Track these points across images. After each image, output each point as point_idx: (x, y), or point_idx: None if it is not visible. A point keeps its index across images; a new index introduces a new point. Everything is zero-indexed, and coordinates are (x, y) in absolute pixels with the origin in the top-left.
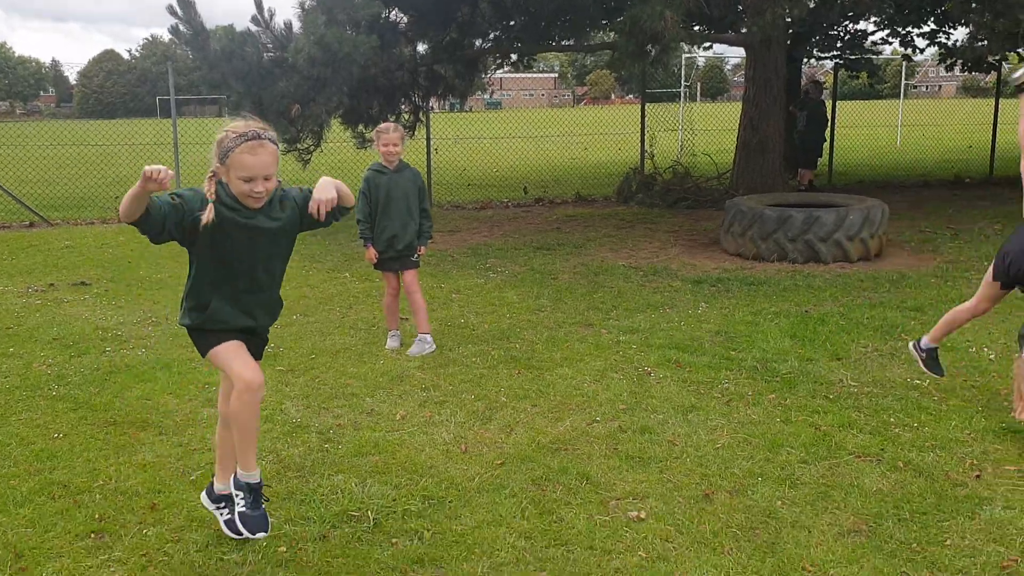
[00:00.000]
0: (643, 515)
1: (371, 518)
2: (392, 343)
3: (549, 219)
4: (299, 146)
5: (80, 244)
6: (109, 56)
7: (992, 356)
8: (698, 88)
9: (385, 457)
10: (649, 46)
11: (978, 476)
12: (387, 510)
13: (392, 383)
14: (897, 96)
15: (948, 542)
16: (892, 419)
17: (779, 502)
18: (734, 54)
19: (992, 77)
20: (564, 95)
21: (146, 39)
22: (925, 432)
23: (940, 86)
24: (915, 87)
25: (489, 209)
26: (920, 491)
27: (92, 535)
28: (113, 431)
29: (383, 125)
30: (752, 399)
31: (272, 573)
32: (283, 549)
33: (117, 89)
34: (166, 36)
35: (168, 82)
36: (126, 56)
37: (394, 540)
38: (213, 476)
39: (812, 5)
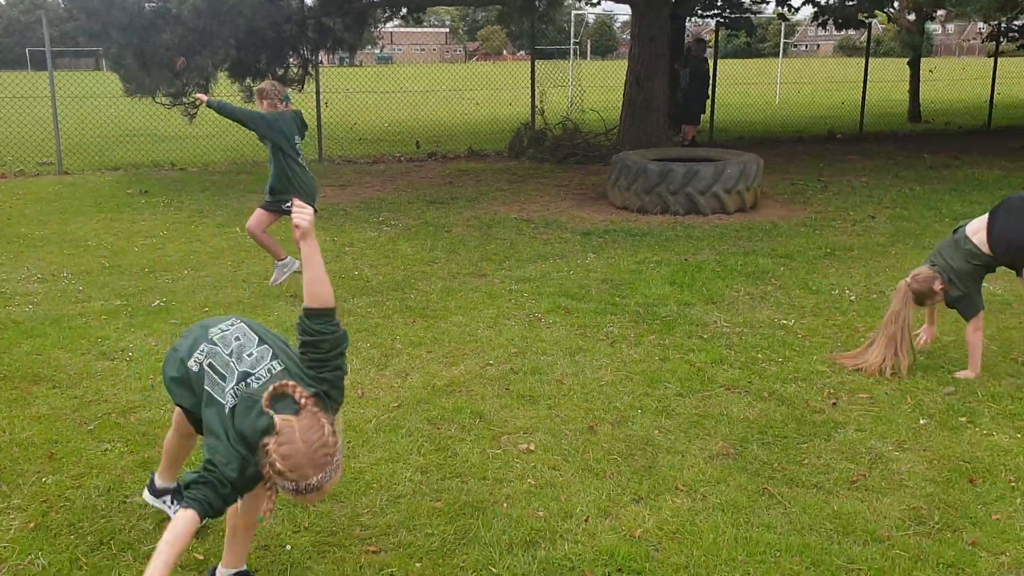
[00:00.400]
0: (532, 447)
1: None
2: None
3: (442, 173)
4: (184, 100)
5: None
6: None
7: (853, 297)
8: (588, 45)
9: None
10: (537, 1)
11: (834, 404)
12: None
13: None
14: (777, 55)
15: (806, 461)
16: (760, 355)
17: (656, 431)
18: (623, 11)
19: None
20: (456, 50)
21: None
22: (789, 366)
23: (819, 45)
24: (795, 46)
25: (381, 164)
26: (782, 418)
27: None
28: (4, 385)
29: (266, 85)
30: (634, 340)
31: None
32: None
33: None
34: None
35: (42, 32)
36: None
37: None
38: (153, 473)
39: None
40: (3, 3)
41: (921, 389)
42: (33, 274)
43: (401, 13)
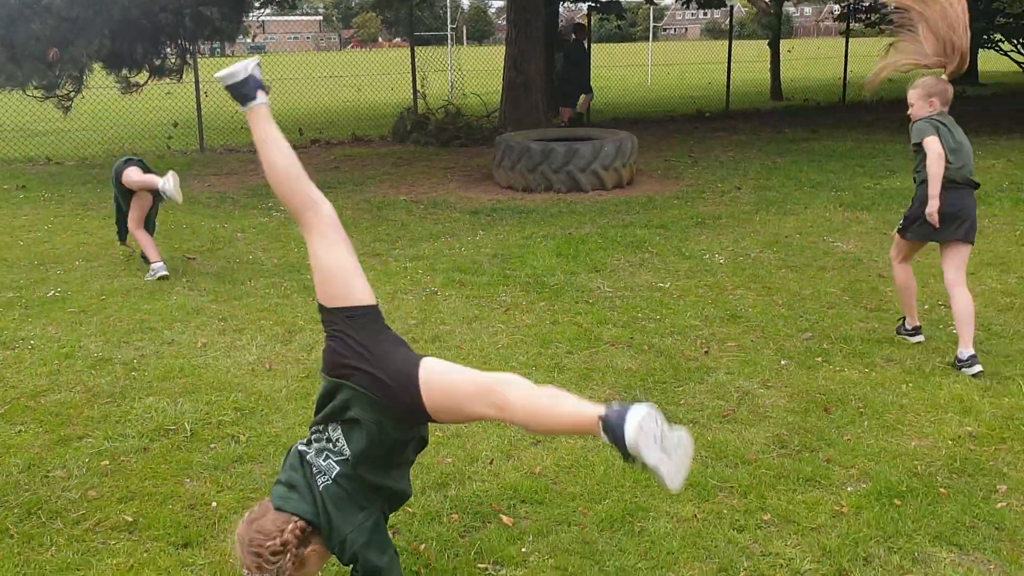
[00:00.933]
0: None
1: (188, 429)
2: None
3: (327, 159)
4: (58, 92)
5: None
6: None
7: (721, 260)
8: (464, 31)
9: (192, 379)
10: None
11: (706, 352)
12: (202, 422)
13: (188, 316)
14: (647, 38)
15: (682, 401)
16: (640, 314)
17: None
18: None
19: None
20: (330, 38)
21: None
22: (666, 323)
23: (686, 28)
24: (664, 30)
25: None
26: (661, 367)
27: None
28: None
29: None
30: (526, 308)
31: (99, 483)
32: (106, 463)
33: None
34: None
35: None
36: None
37: (212, 445)
38: None
39: None
40: None
41: (783, 335)
42: None
43: (277, 2)
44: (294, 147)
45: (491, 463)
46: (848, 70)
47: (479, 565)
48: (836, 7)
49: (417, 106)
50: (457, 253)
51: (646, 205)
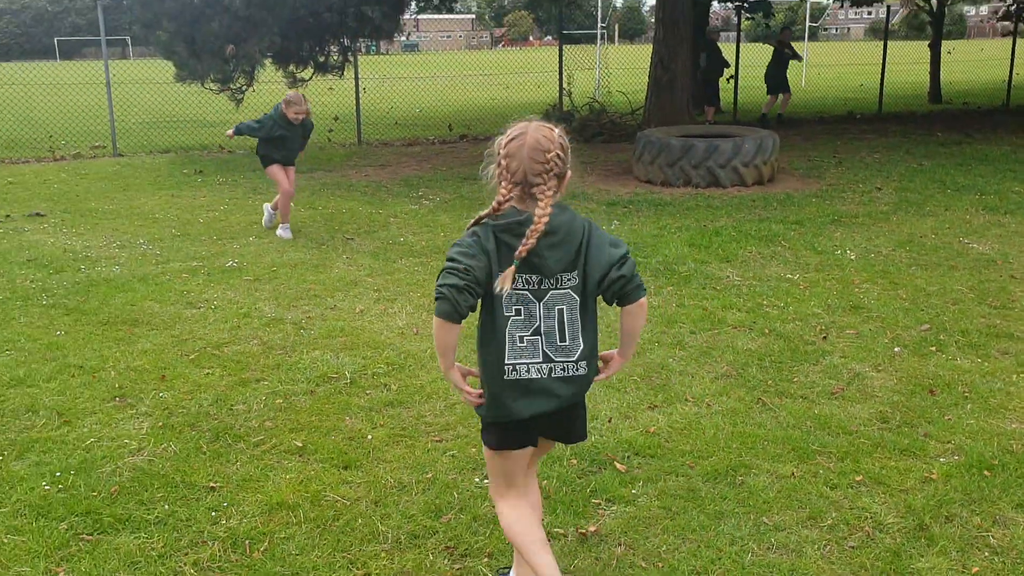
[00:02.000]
0: None
1: (348, 377)
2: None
3: (474, 153)
4: (232, 86)
5: (23, 180)
6: None
7: (852, 257)
8: (616, 30)
9: (351, 338)
10: None
11: (825, 338)
12: (359, 373)
13: (348, 287)
14: (809, 38)
15: (795, 380)
16: (765, 302)
17: (671, 359)
18: None
19: (898, 19)
20: (482, 36)
21: None
22: (790, 310)
23: (849, 28)
24: (824, 30)
25: (417, 145)
26: (779, 349)
27: (116, 399)
28: (109, 328)
29: (293, 95)
30: (654, 291)
31: (274, 416)
32: (279, 401)
33: (11, 30)
34: None
35: (69, 23)
36: None
37: (368, 392)
38: None
39: None
40: None
41: (901, 326)
42: (112, 241)
43: (435, 2)
44: (443, 142)
45: (610, 421)
46: (1013, 72)
47: (593, 500)
48: (985, 8)
49: (562, 103)
50: None
51: (784, 202)
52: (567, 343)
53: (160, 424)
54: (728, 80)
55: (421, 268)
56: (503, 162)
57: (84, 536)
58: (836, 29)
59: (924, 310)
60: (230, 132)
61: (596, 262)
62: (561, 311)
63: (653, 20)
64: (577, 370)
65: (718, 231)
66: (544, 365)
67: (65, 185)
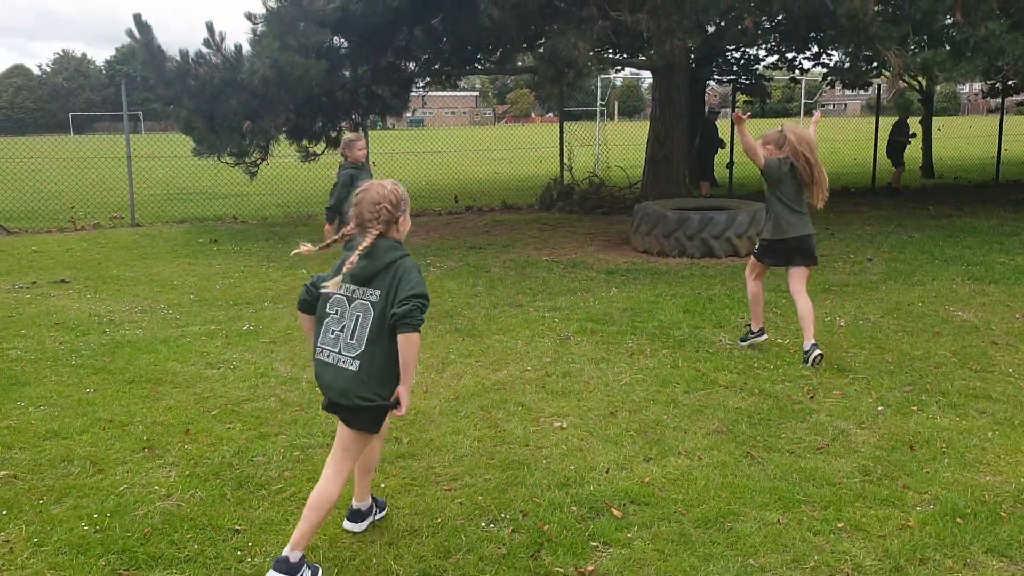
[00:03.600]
0: (564, 425)
1: None
2: None
3: (479, 224)
4: (247, 159)
5: (47, 249)
6: (19, 71)
7: (842, 323)
8: (615, 107)
9: None
10: (566, 71)
11: (812, 397)
12: None
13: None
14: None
15: (782, 436)
16: (756, 364)
17: (665, 416)
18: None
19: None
20: (485, 113)
21: (57, 54)
22: (779, 372)
23: (846, 105)
24: (822, 105)
25: (424, 216)
26: (768, 407)
27: (144, 450)
28: (135, 386)
29: (353, 135)
30: (650, 354)
31: (292, 467)
32: (297, 453)
33: (28, 105)
34: (76, 51)
35: (83, 98)
36: (36, 71)
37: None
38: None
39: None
40: (48, 70)
41: (886, 388)
42: (134, 306)
43: (441, 82)
44: (449, 213)
45: (607, 472)
46: (1002, 148)
47: (591, 543)
48: (979, 87)
49: (563, 177)
50: (591, 306)
51: (777, 272)
52: (353, 342)
53: (187, 473)
54: (726, 166)
55: (430, 331)
56: (352, 208)
57: (121, 572)
58: (833, 105)
59: (908, 372)
60: (329, 229)
61: (396, 295)
62: (358, 317)
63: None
64: (350, 366)
65: (712, 298)
66: (335, 354)
67: (87, 254)
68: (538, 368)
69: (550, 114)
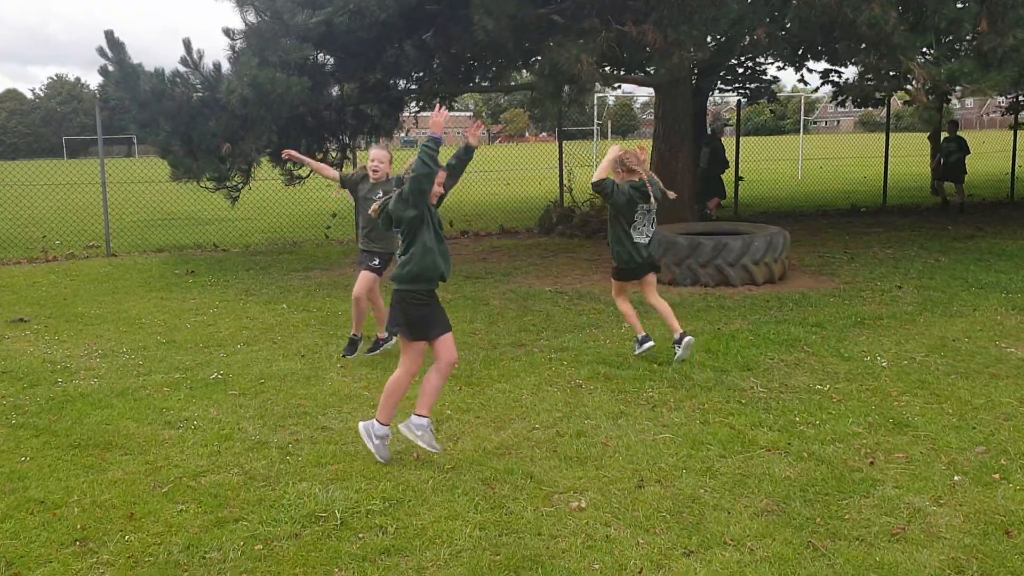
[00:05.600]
0: (583, 505)
1: (338, 517)
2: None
3: (476, 250)
4: (228, 184)
5: (11, 283)
6: (12, 95)
7: (884, 364)
8: (609, 126)
9: (344, 466)
10: (567, 87)
11: (872, 463)
12: (351, 510)
13: (341, 402)
14: (798, 131)
15: (847, 516)
16: (797, 418)
17: (702, 489)
18: (643, 93)
19: (882, 112)
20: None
21: (51, 78)
22: (826, 428)
23: (839, 121)
24: (815, 123)
25: None
26: (823, 477)
27: (76, 543)
28: (79, 453)
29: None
30: (674, 405)
31: (252, 567)
32: (259, 547)
33: (20, 129)
34: (71, 75)
35: (85, 122)
36: (29, 96)
37: (361, 535)
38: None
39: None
40: (42, 94)
41: (955, 448)
42: (94, 350)
43: (434, 102)
44: (446, 239)
45: (640, 573)
46: (1016, 164)
47: None
48: (1003, 100)
49: (563, 199)
50: (602, 345)
51: (799, 302)
52: None
53: None
54: (739, 179)
55: (422, 378)
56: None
57: None
58: (826, 122)
59: (975, 428)
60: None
61: None
62: None
63: (646, 116)
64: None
65: (734, 335)
66: None
67: (54, 288)
68: (548, 425)
69: (544, 133)
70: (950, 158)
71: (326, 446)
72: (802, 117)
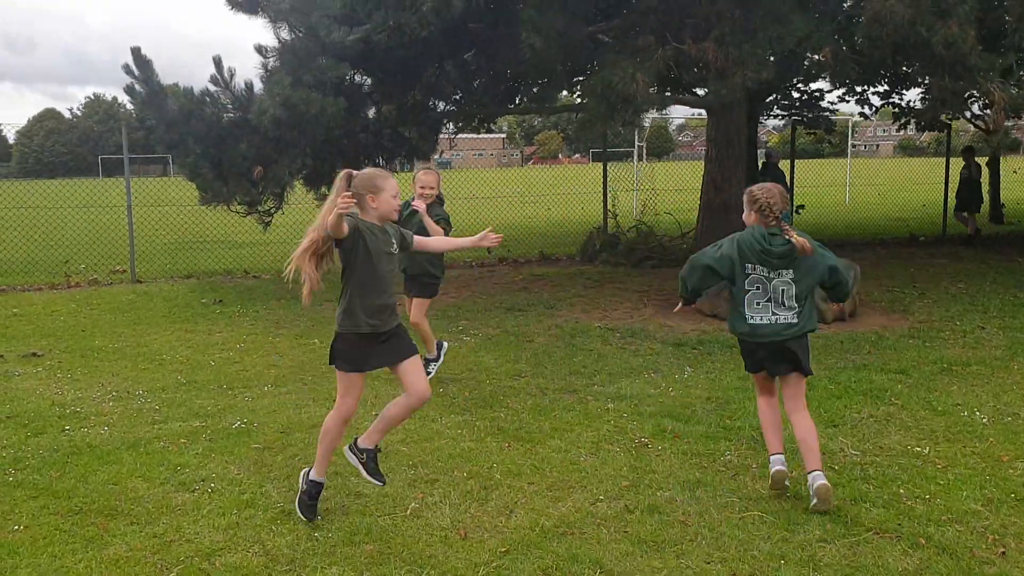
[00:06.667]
0: None
1: None
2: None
3: (516, 279)
4: (260, 208)
5: (29, 312)
6: (50, 115)
7: (984, 420)
8: (644, 149)
9: (380, 545)
10: (620, 107)
11: (1003, 553)
12: None
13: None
14: (839, 155)
15: None
16: (902, 490)
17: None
18: (678, 115)
19: (927, 136)
20: (512, 155)
21: (88, 98)
22: (938, 504)
23: (878, 145)
24: (854, 146)
25: (454, 269)
26: (947, 570)
27: None
28: (79, 521)
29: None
30: (758, 472)
31: None
32: None
33: (58, 148)
34: (108, 94)
35: (121, 141)
36: (67, 115)
37: None
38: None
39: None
40: (79, 114)
41: None
42: (108, 391)
43: (473, 124)
44: (481, 265)
45: None
46: None
47: None
48: None
49: (607, 225)
50: (664, 393)
51: (876, 344)
52: None
53: None
54: (797, 211)
55: (466, 431)
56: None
57: None
58: (865, 146)
59: None
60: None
61: None
62: None
63: (681, 138)
64: None
65: (811, 383)
66: None
67: (72, 318)
68: (613, 496)
69: (577, 155)
70: (972, 185)
71: (360, 518)
72: (849, 141)
